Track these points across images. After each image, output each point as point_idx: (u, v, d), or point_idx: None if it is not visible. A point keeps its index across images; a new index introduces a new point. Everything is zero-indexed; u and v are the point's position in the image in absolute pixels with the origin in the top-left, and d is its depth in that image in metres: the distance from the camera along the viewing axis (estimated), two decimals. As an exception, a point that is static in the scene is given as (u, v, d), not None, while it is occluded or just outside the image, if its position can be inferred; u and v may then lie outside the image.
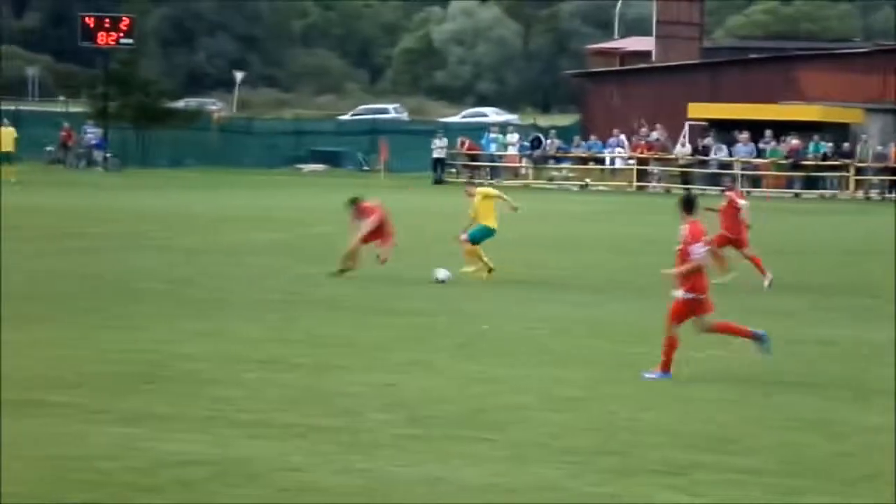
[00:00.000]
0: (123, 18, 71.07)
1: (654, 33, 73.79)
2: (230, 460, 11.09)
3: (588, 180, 61.17)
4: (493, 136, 64.30)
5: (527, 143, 63.90)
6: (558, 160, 63.62)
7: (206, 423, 12.43)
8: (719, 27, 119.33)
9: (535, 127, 71.47)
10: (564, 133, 66.80)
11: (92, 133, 67.09)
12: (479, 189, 26.26)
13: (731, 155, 58.79)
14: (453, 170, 63.65)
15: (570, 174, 63.09)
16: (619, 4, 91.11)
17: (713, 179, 55.08)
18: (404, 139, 69.31)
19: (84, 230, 30.77)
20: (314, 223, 36.23)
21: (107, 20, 70.61)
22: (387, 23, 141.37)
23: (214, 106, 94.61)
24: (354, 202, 24.97)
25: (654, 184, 60.38)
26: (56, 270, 23.97)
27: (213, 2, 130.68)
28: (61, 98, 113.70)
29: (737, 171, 55.88)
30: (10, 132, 55.31)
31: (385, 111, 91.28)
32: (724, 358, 16.27)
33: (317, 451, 11.54)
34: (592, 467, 11.23)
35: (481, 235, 25.26)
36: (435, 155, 62.98)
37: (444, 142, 63.28)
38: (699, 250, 15.02)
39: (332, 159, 70.63)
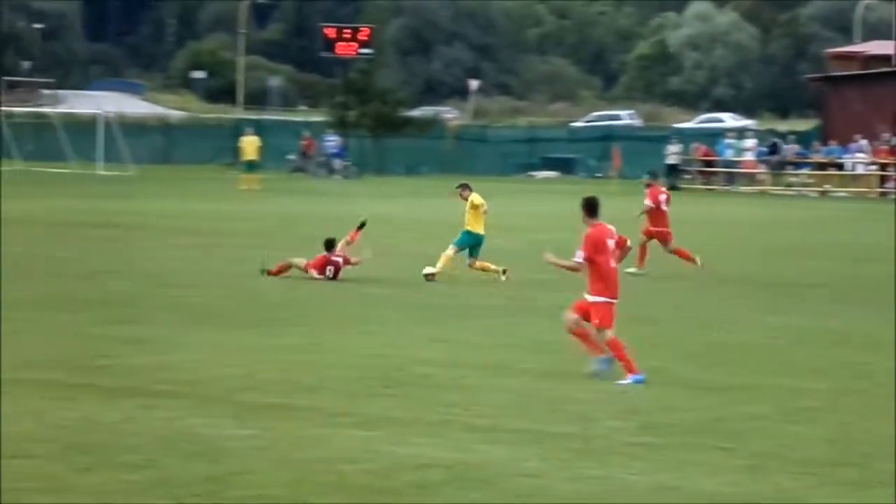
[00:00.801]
0: (363, 29, 72.39)
1: (895, 36, 71.97)
2: (465, 464, 11.22)
3: (827, 186, 59.95)
4: (729, 141, 63.52)
5: (764, 149, 62.96)
6: (797, 166, 62.50)
7: (441, 427, 12.59)
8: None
9: (773, 132, 70.35)
10: (803, 138, 65.63)
11: (331, 142, 68.38)
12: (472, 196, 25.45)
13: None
14: (688, 176, 63.07)
15: (809, 180, 61.93)
16: (859, 7, 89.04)
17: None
18: (637, 145, 68.93)
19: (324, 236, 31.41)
20: (546, 229, 36.31)
21: (346, 31, 72.05)
22: (621, 29, 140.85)
23: (450, 114, 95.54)
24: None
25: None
26: (298, 274, 24.49)
27: (449, 11, 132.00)
28: (302, 107, 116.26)
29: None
30: (253, 141, 56.73)
31: (618, 117, 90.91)
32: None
33: (550, 456, 11.59)
34: (830, 479, 11.05)
35: (466, 241, 24.86)
36: (669, 161, 62.49)
37: (679, 148, 62.75)
38: (581, 258, 15.04)
39: (565, 166, 70.65)
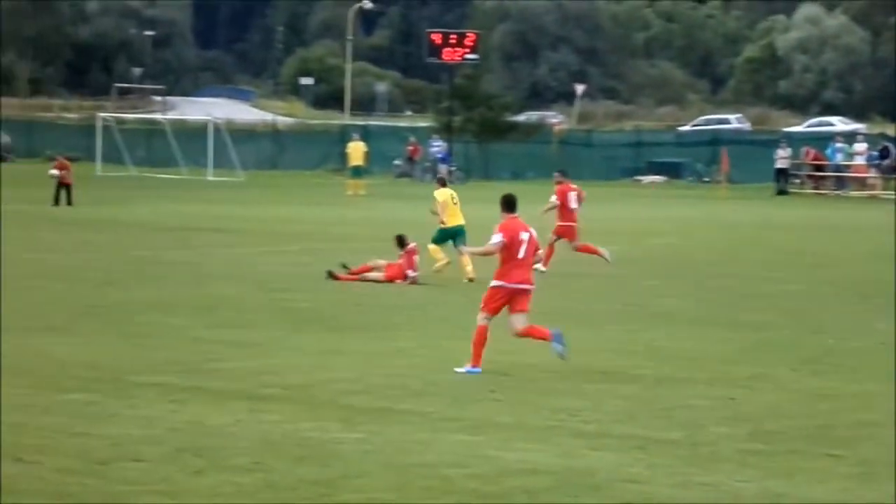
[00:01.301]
0: (469, 34, 72.45)
1: None
2: (572, 470, 11.20)
3: (940, 191, 59.05)
4: (839, 145, 62.76)
5: (875, 153, 62.12)
6: (908, 170, 61.62)
7: (548, 432, 12.58)
8: None
9: (883, 136, 69.38)
10: (914, 142, 64.63)
11: (437, 147, 68.55)
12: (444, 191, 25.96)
13: None
14: (797, 180, 62.43)
15: (921, 184, 61.03)
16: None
17: None
18: (746, 149, 68.30)
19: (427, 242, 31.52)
20: (655, 234, 36.16)
21: (453, 36, 72.19)
22: (729, 32, 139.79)
23: (555, 119, 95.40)
24: None
25: None
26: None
27: (556, 15, 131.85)
28: (408, 113, 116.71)
29: None
30: (359, 146, 57.04)
31: (726, 121, 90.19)
32: None
33: (657, 463, 11.54)
34: (943, 488, 10.89)
35: (442, 236, 25.36)
36: (778, 165, 61.90)
37: (788, 152, 62.14)
38: (497, 239, 15.67)
39: (672, 171, 70.22)
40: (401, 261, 24.69)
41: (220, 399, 13.69)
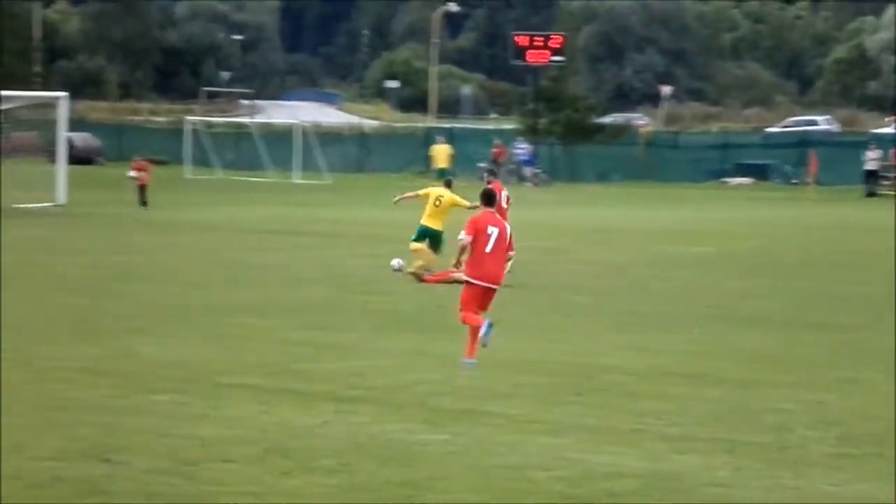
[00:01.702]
0: (554, 36, 72.37)
1: None
2: (658, 474, 11.16)
3: None
4: (929, 147, 62.01)
5: (966, 154, 61.32)
6: None
7: (634, 435, 12.54)
8: None
9: (975, 137, 68.44)
10: None
11: (522, 149, 68.51)
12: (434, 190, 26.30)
13: None
14: (887, 182, 61.74)
15: None
16: None
17: None
18: (834, 151, 67.66)
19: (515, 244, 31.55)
20: (741, 236, 35.93)
21: (538, 38, 72.17)
22: (817, 33, 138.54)
23: (641, 121, 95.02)
24: None
25: None
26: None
27: (642, 17, 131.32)
28: (493, 115, 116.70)
29: None
30: (444, 149, 57.13)
31: (814, 123, 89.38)
32: None
33: (744, 466, 11.47)
34: None
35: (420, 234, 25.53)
36: (867, 167, 61.25)
37: (878, 153, 61.48)
38: (462, 236, 15.89)
39: (759, 172, 69.68)
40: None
41: (307, 400, 13.78)
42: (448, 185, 27.04)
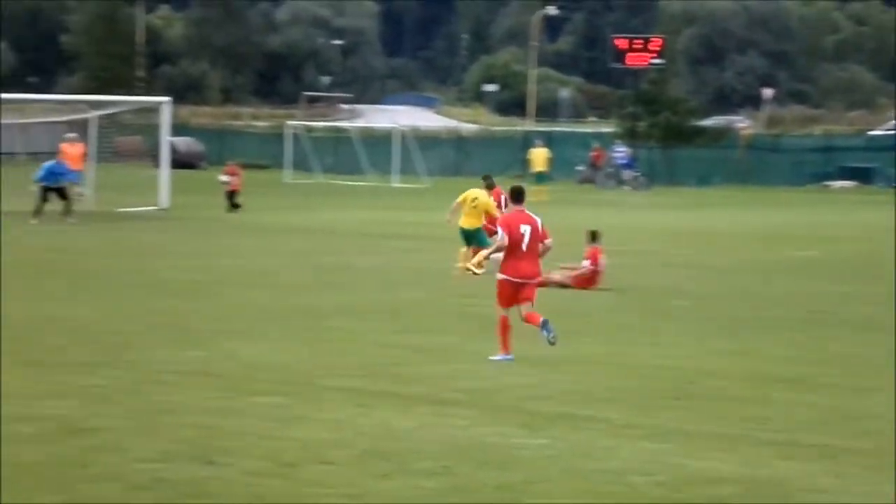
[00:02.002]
0: (654, 39, 72.06)
1: None
2: (759, 480, 11.07)
3: None
4: None
5: None
6: None
7: (734, 441, 12.45)
8: None
9: None
10: None
11: (621, 152, 68.26)
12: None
13: None
14: None
15: None
16: None
17: None
18: (939, 154, 66.73)
19: (613, 248, 31.46)
20: (844, 240, 35.54)
21: (638, 41, 71.92)
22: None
23: (742, 123, 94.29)
24: None
25: None
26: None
27: (743, 19, 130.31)
28: (592, 118, 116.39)
29: None
30: (542, 152, 57.10)
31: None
32: None
33: (845, 473, 11.35)
34: None
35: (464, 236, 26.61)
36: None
37: (984, 156, 60.55)
38: (498, 236, 16.50)
39: (863, 176, 68.86)
40: (587, 254, 24.84)
41: (405, 403, 13.83)
42: (490, 186, 27.68)
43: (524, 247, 16.27)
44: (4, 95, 43.87)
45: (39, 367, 15.44)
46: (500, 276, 16.52)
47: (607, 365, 16.41)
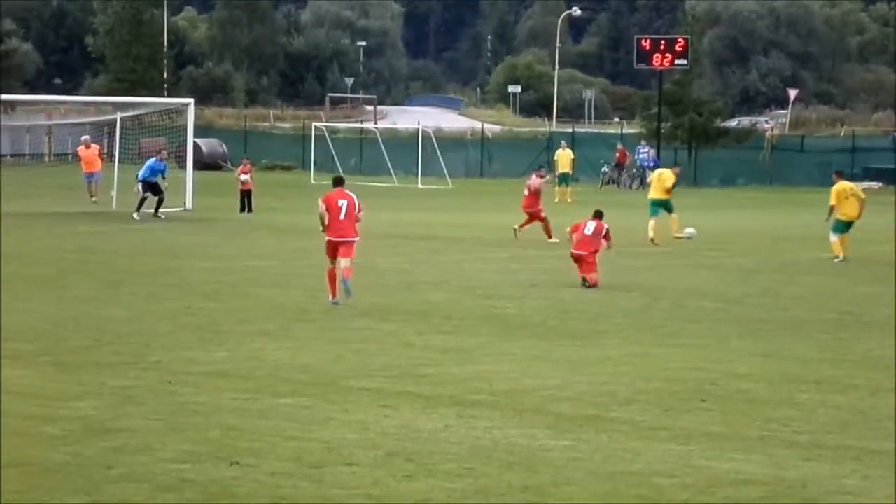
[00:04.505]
0: (679, 40, 71.88)
1: None
2: (785, 482, 11.04)
3: None
4: None
5: None
6: None
7: (760, 442, 12.42)
8: None
9: None
10: None
11: (645, 153, 68.11)
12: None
13: None
14: None
15: None
16: None
17: None
18: (966, 154, 66.41)
19: (636, 249, 31.38)
20: (871, 242, 35.41)
21: (662, 42, 71.74)
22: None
23: (767, 124, 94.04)
24: None
25: None
26: (615, 284, 24.53)
27: (768, 20, 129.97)
28: (616, 119, 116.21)
29: None
30: (567, 153, 57.03)
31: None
32: None
33: (872, 474, 11.31)
34: None
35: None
36: None
37: None
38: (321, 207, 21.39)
39: (888, 176, 68.56)
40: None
41: (429, 404, 13.83)
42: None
43: (342, 215, 21.05)
44: (31, 97, 44.00)
45: (66, 368, 15.49)
46: (325, 236, 21.31)
47: (633, 366, 16.38)
